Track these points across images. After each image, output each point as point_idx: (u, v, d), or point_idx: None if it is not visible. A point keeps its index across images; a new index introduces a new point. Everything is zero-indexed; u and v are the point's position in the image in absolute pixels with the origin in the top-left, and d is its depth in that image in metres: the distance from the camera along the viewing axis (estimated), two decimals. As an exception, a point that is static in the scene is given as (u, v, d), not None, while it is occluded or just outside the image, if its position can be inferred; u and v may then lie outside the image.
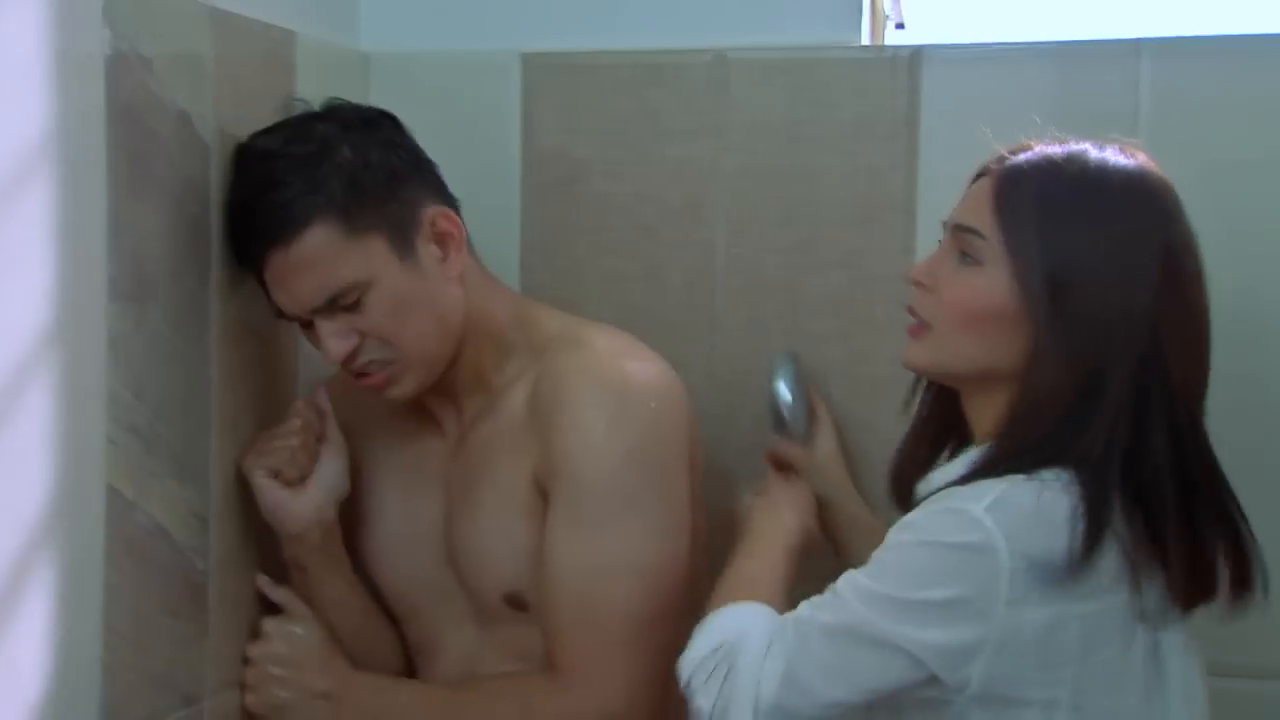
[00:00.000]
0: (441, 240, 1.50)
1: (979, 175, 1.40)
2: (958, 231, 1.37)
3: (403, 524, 1.61)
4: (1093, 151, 1.36)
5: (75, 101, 1.32)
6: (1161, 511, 1.28)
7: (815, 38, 1.77)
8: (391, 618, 1.66)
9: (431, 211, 1.50)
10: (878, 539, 1.33)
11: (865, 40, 1.80)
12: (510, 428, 1.52)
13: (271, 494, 1.52)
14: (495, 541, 1.52)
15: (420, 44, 1.78)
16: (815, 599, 1.33)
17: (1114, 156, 1.36)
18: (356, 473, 1.61)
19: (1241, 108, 1.67)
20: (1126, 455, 1.28)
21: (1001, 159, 1.38)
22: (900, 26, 1.85)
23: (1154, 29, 1.71)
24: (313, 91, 1.56)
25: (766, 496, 1.58)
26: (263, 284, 1.50)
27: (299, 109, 1.54)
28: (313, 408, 1.57)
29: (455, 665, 1.59)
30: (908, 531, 1.30)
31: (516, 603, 1.52)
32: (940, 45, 1.76)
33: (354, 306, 1.45)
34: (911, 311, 1.40)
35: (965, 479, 1.31)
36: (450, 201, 1.55)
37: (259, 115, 1.56)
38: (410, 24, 1.81)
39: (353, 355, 1.48)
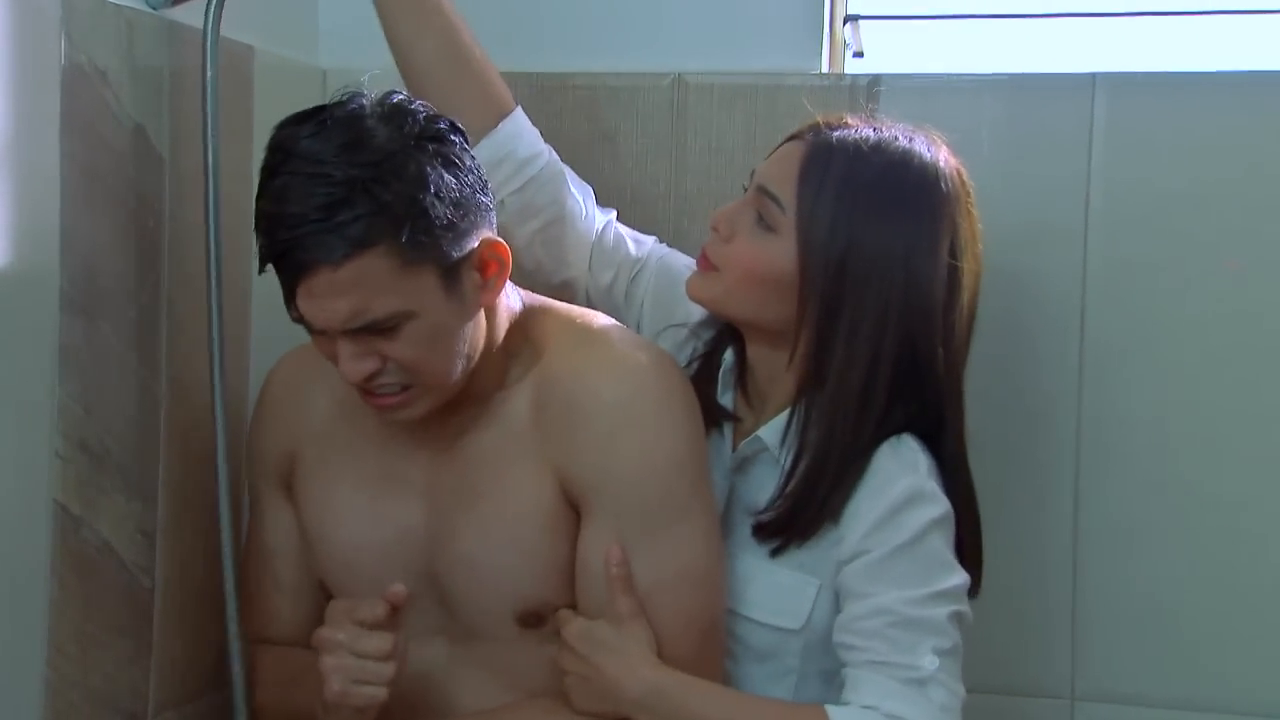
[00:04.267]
0: (485, 268, 1.39)
1: (792, 136, 1.45)
2: (760, 194, 1.43)
3: (371, 531, 1.51)
4: (901, 140, 1.43)
5: (30, 112, 1.32)
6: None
7: (775, 64, 1.78)
8: None
9: (484, 241, 1.37)
10: None
11: (824, 68, 1.81)
12: (515, 435, 1.45)
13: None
14: (511, 557, 1.44)
15: (379, 61, 1.77)
16: (888, 644, 1.35)
17: (920, 148, 1.43)
18: (319, 474, 1.53)
19: (1193, 142, 1.69)
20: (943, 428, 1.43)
21: (816, 128, 1.44)
22: (859, 55, 1.86)
23: (1107, 65, 1.73)
24: (270, 107, 1.55)
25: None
26: (285, 285, 1.34)
27: (342, 95, 1.36)
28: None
29: (413, 681, 1.49)
30: (898, 531, 1.38)
31: (531, 621, 1.46)
32: (898, 74, 1.78)
33: (387, 333, 1.35)
34: (704, 251, 1.47)
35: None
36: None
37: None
38: (369, 41, 1.79)
39: (370, 376, 1.38)
